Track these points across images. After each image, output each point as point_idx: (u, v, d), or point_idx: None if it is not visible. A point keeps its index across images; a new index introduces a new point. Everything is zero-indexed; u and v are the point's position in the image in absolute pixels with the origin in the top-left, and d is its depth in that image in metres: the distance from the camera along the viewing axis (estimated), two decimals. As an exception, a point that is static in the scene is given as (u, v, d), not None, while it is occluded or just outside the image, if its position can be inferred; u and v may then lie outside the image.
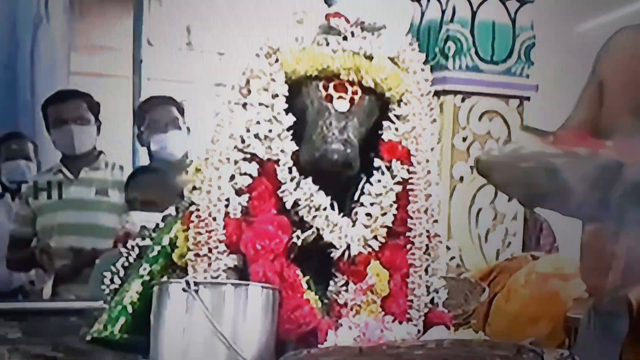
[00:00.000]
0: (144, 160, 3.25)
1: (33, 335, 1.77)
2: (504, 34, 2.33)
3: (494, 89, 2.23)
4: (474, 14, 2.32)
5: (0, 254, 2.95)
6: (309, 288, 1.44)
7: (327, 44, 1.47)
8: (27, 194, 2.97)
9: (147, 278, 1.54)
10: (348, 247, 1.45)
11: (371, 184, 1.47)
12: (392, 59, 1.48)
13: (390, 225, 1.46)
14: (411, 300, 1.45)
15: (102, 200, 2.89)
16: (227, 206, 1.44)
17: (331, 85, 1.45)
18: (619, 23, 1.69)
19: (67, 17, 3.76)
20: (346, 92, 1.45)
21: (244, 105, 1.47)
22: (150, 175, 2.83)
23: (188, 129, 3.11)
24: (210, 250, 1.43)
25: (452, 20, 2.31)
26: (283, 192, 1.45)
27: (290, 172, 1.45)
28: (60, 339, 1.67)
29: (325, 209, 1.45)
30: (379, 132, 1.49)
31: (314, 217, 1.45)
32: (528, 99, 2.34)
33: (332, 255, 1.46)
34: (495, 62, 2.30)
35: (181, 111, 3.13)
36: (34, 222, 2.94)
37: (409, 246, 1.46)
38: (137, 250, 1.62)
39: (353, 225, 1.46)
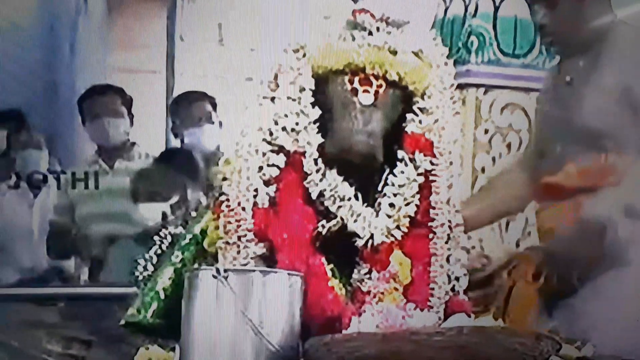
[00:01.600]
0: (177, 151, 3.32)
1: (69, 319, 1.83)
2: (526, 28, 2.34)
3: (515, 82, 2.25)
4: (496, 9, 2.34)
5: (18, 241, 3.03)
6: (334, 276, 1.48)
7: (353, 39, 1.50)
8: (66, 185, 3.06)
9: (179, 265, 1.59)
10: (371, 236, 1.48)
11: (394, 175, 1.51)
12: (415, 54, 1.51)
13: (413, 215, 1.49)
14: (432, 289, 1.47)
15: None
16: (255, 196, 1.49)
17: (356, 79, 1.49)
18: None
19: (105, 16, 3.85)
20: (371, 85, 1.49)
21: (273, 99, 1.52)
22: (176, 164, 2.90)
23: (220, 123, 3.18)
24: (239, 238, 1.47)
25: (475, 16, 2.33)
26: (309, 182, 1.49)
27: (316, 163, 1.49)
28: (95, 323, 1.73)
29: (349, 199, 1.49)
30: (403, 124, 1.52)
31: (339, 207, 1.48)
32: (549, 91, 2.35)
33: (356, 244, 1.49)
34: (517, 56, 2.31)
35: (214, 106, 3.20)
36: (72, 211, 3.03)
37: (430, 236, 1.49)
38: (169, 238, 1.67)
39: (376, 215, 1.49)
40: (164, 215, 1.66)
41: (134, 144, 3.11)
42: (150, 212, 2.56)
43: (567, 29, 1.71)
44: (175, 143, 3.30)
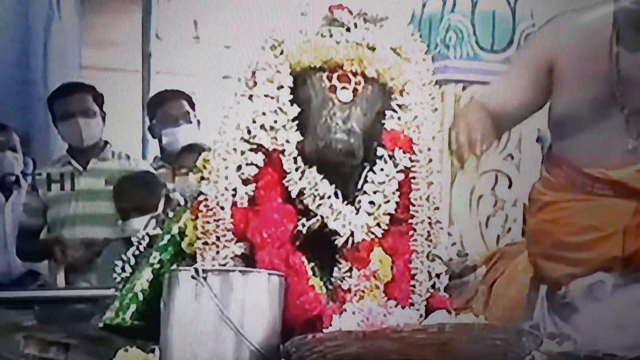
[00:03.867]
0: (154, 151, 3.29)
1: (47, 322, 1.81)
2: (504, 23, 2.36)
3: (494, 77, 2.25)
4: (474, 4, 2.35)
5: None
6: (314, 274, 1.48)
7: (331, 36, 1.50)
8: (38, 186, 3.00)
9: (157, 266, 1.57)
10: (352, 234, 1.48)
11: (374, 172, 1.51)
12: (394, 50, 1.51)
13: (393, 212, 1.50)
14: (413, 286, 1.48)
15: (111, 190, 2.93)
16: (234, 195, 1.48)
17: (335, 76, 1.49)
18: (619, 12, 1.70)
19: (78, 13, 3.80)
20: (349, 82, 1.48)
21: (250, 97, 1.51)
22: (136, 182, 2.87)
23: (198, 122, 3.15)
24: (218, 238, 1.46)
25: (453, 11, 2.34)
26: (288, 181, 1.48)
27: (295, 161, 1.49)
28: (74, 326, 1.72)
29: (329, 197, 1.49)
30: (382, 121, 1.52)
31: (319, 205, 1.48)
32: (528, 86, 2.35)
33: (336, 242, 1.49)
34: (496, 51, 2.32)
35: (192, 105, 3.17)
36: (44, 214, 2.99)
37: (411, 233, 1.49)
38: (147, 239, 1.66)
39: (357, 213, 1.49)
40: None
41: (106, 143, 3.06)
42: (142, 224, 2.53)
43: None
44: (153, 142, 3.26)
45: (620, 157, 1.55)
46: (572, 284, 1.60)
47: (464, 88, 2.32)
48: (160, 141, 3.17)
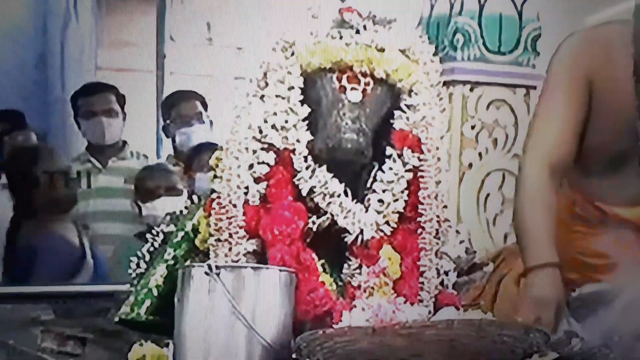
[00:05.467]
0: (167, 150, 3.34)
1: (64, 317, 1.85)
2: (511, 25, 2.36)
3: (501, 78, 2.27)
4: (481, 6, 2.36)
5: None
6: (324, 271, 1.50)
7: (341, 38, 1.52)
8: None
9: (171, 262, 1.61)
10: (361, 232, 1.50)
11: (383, 171, 1.52)
12: (402, 51, 1.53)
13: (402, 210, 1.51)
14: (422, 283, 1.50)
15: (131, 189, 2.97)
16: (246, 194, 1.50)
17: (344, 77, 1.51)
18: (626, 15, 1.71)
19: (94, 15, 3.85)
20: (359, 83, 1.51)
21: (262, 97, 1.53)
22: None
23: (211, 122, 3.20)
24: (230, 235, 1.49)
25: (460, 13, 2.35)
26: (299, 179, 1.51)
27: (305, 160, 1.51)
28: (90, 320, 1.75)
29: (339, 195, 1.51)
30: (391, 121, 1.53)
31: (329, 203, 1.50)
32: (534, 88, 2.36)
33: (346, 239, 1.51)
34: (503, 53, 2.33)
35: (205, 106, 3.22)
36: None
37: (419, 231, 1.51)
38: (161, 235, 1.69)
39: (366, 211, 1.51)
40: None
41: (125, 142, 3.12)
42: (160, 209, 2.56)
43: None
44: (167, 142, 3.31)
45: (625, 195, 1.55)
46: (587, 287, 1.60)
47: (471, 89, 2.34)
48: (173, 141, 3.22)
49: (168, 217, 1.70)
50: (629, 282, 1.52)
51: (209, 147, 2.88)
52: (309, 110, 1.52)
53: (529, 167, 1.57)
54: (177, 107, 3.21)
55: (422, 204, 1.51)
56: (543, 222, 1.54)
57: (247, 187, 1.50)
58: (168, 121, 3.25)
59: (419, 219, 1.51)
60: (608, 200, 1.59)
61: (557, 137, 1.57)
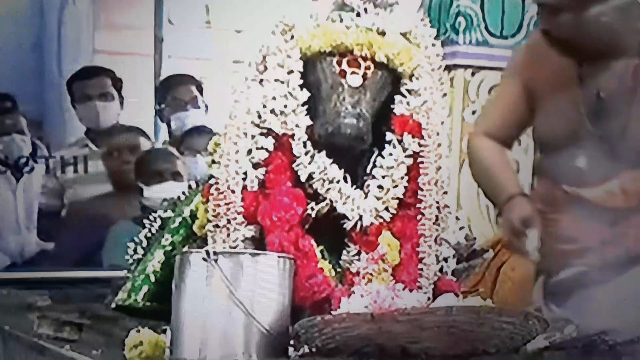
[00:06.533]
0: (164, 135, 3.32)
1: (61, 303, 1.84)
2: (514, 9, 2.35)
3: (503, 63, 2.24)
4: (484, -11, 2.34)
5: (3, 226, 3.03)
6: (323, 257, 1.49)
7: (341, 21, 1.51)
8: (55, 168, 3.05)
9: (168, 248, 1.60)
10: (360, 218, 1.50)
11: (383, 157, 1.51)
12: (403, 35, 1.52)
13: (401, 197, 1.51)
14: (421, 269, 1.49)
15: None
16: (244, 179, 1.49)
17: (344, 60, 1.49)
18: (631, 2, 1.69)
19: (93, -2, 3.82)
20: (359, 67, 1.49)
21: (261, 81, 1.52)
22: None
23: (206, 106, 3.18)
24: (228, 221, 1.48)
25: (462, -4, 2.34)
26: (298, 165, 1.50)
27: (304, 146, 1.50)
28: (87, 306, 1.74)
29: (338, 181, 1.50)
30: (391, 106, 1.52)
31: (328, 189, 1.49)
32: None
33: (345, 226, 1.50)
34: (505, 37, 2.32)
35: (200, 90, 3.20)
36: (62, 195, 3.03)
37: (419, 217, 1.50)
38: (159, 221, 1.68)
39: (365, 197, 1.50)
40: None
41: (123, 126, 3.10)
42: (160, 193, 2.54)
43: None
44: (164, 126, 3.29)
45: (584, 176, 1.62)
46: (562, 273, 1.64)
47: (473, 74, 2.32)
48: (169, 125, 3.20)
49: (165, 203, 1.69)
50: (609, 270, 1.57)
51: (205, 132, 2.87)
52: (309, 94, 1.50)
53: (471, 138, 1.71)
54: (173, 92, 3.20)
55: (422, 190, 1.50)
56: (498, 161, 1.65)
57: (245, 173, 1.49)
58: (163, 105, 3.23)
59: (418, 205, 1.50)
60: (570, 182, 1.63)
61: (497, 118, 1.72)
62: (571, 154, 1.62)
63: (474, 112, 2.23)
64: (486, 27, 2.33)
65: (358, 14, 1.50)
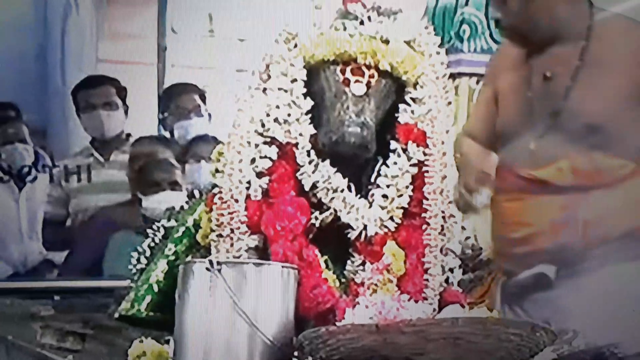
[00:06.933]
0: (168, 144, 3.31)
1: (63, 312, 1.83)
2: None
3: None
4: (488, -4, 2.34)
5: (6, 235, 3.03)
6: (327, 267, 1.48)
7: (345, 29, 1.50)
8: (59, 177, 3.06)
9: (172, 258, 1.59)
10: (365, 227, 1.48)
11: (387, 166, 1.50)
12: (408, 43, 1.51)
13: (406, 206, 1.49)
14: (427, 280, 1.48)
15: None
16: (248, 188, 1.49)
17: (348, 69, 1.48)
18: (634, 12, 1.71)
19: (95, 6, 3.83)
20: (363, 75, 1.48)
21: (264, 90, 1.51)
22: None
23: (210, 115, 3.18)
24: (232, 231, 1.47)
25: (466, 4, 2.34)
26: (302, 174, 1.49)
27: (308, 155, 1.49)
28: (90, 316, 1.74)
29: (342, 190, 1.49)
30: (396, 114, 1.51)
31: (332, 198, 1.48)
32: (541, 79, 2.35)
33: (349, 235, 1.49)
34: (510, 45, 2.31)
35: (203, 98, 3.20)
36: (67, 204, 3.03)
37: (424, 227, 1.49)
38: (162, 230, 1.67)
39: (370, 207, 1.49)
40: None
41: (129, 135, 3.10)
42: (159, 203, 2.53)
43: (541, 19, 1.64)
44: (165, 135, 3.29)
45: (537, 158, 1.67)
46: (520, 276, 1.67)
47: (477, 82, 2.32)
48: (172, 134, 3.20)
49: (167, 212, 1.68)
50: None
51: (209, 140, 2.87)
52: (312, 103, 1.50)
53: (456, 138, 1.78)
54: (176, 100, 3.21)
55: (427, 199, 1.49)
56: (474, 151, 1.73)
57: (249, 182, 1.49)
58: (166, 114, 3.24)
59: (423, 214, 1.49)
60: (524, 165, 1.68)
61: (475, 122, 1.83)
62: (524, 139, 1.67)
63: (463, 127, 2.24)
64: (491, 35, 2.33)
65: (362, 22, 1.50)
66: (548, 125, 1.65)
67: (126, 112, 3.09)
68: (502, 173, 1.73)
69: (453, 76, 2.16)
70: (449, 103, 1.53)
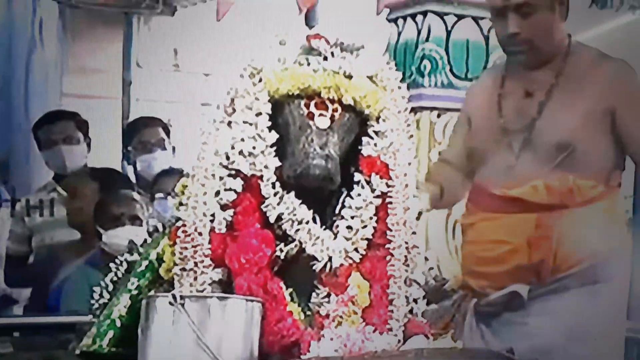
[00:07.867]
0: (131, 178, 3.29)
1: (23, 350, 1.79)
2: (478, 51, 2.41)
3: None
4: (448, 33, 2.40)
5: None
6: (292, 300, 1.48)
7: (308, 64, 1.52)
8: (22, 213, 3.00)
9: (135, 292, 1.57)
10: (330, 259, 1.49)
11: (352, 197, 1.52)
12: (370, 78, 1.53)
13: (371, 237, 1.50)
14: (391, 311, 1.48)
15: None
16: (212, 221, 1.48)
17: (312, 103, 1.50)
18: (593, 41, 1.79)
19: (60, 41, 3.82)
20: (327, 109, 1.50)
21: (229, 123, 1.52)
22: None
23: (173, 148, 3.17)
24: (196, 264, 1.46)
25: (427, 40, 2.39)
26: (267, 206, 1.49)
27: (273, 187, 1.49)
28: (51, 353, 1.69)
29: (307, 222, 1.49)
30: (359, 147, 1.53)
31: (297, 230, 1.49)
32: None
33: (314, 267, 1.49)
34: (470, 79, 2.36)
35: (167, 132, 3.19)
36: (29, 240, 2.97)
37: (388, 257, 1.50)
38: (125, 265, 1.65)
39: (334, 238, 1.50)
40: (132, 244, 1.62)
41: (92, 169, 3.06)
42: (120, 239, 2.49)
43: (539, 40, 1.73)
44: (129, 169, 3.26)
45: (512, 177, 1.75)
46: (492, 296, 1.72)
47: (438, 115, 2.37)
48: (135, 168, 3.17)
49: (129, 246, 1.66)
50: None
51: (172, 174, 2.85)
52: (277, 136, 1.51)
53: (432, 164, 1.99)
54: (139, 134, 3.18)
55: (391, 230, 1.50)
56: (441, 173, 1.88)
57: (213, 215, 1.48)
58: (129, 148, 3.21)
59: (387, 245, 1.50)
60: (499, 183, 1.76)
61: (451, 150, 1.95)
62: (499, 159, 1.76)
63: (440, 153, 2.28)
64: (451, 70, 2.38)
65: (325, 58, 1.52)
66: (522, 142, 1.72)
67: (89, 146, 3.05)
68: (477, 193, 1.79)
69: (414, 110, 2.21)
70: (411, 136, 1.55)
